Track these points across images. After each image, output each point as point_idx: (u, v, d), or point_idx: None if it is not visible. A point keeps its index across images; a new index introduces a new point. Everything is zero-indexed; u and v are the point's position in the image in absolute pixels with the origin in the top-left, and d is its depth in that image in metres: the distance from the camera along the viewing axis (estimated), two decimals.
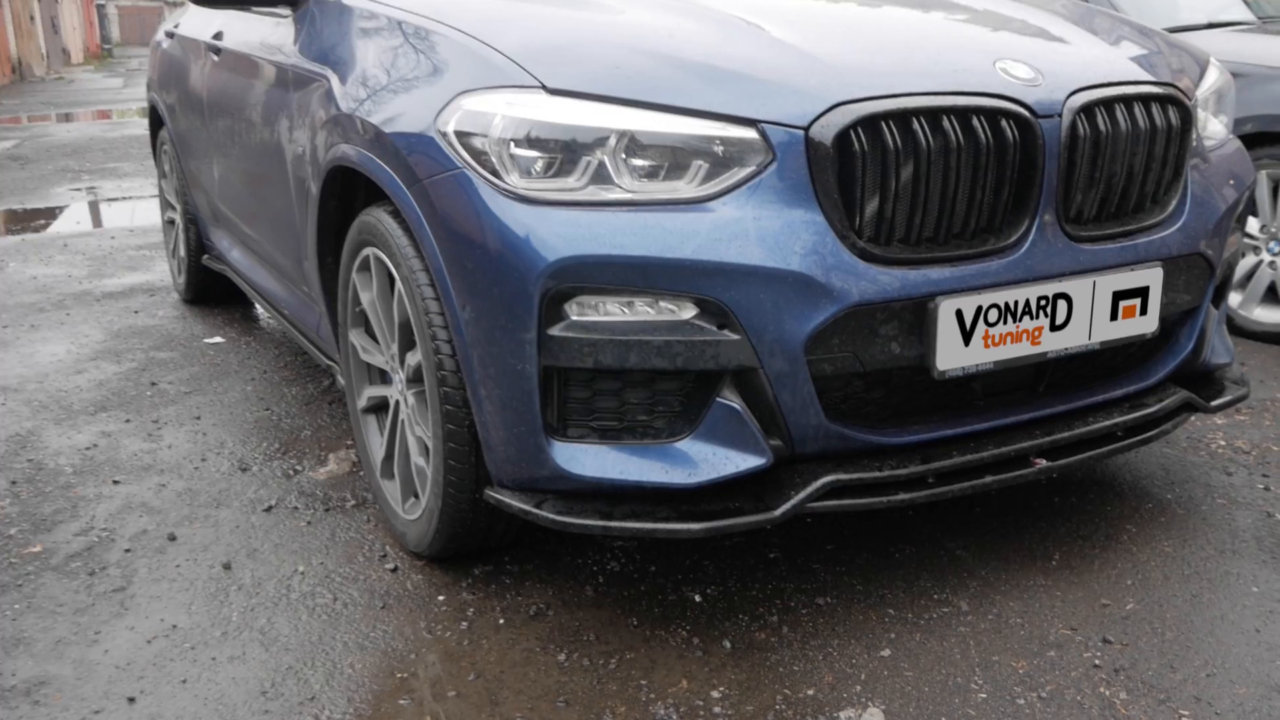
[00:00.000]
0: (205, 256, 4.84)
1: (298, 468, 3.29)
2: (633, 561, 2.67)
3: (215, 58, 4.00)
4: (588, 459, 2.22)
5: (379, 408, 2.92)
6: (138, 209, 7.92)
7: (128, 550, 2.82)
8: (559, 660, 2.30)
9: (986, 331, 2.23)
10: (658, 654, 2.31)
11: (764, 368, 2.13)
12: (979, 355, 2.24)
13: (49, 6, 21.39)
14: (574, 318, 2.14)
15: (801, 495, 2.19)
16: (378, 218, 2.57)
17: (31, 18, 20.70)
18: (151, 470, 3.31)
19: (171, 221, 5.26)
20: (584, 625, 2.42)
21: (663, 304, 2.13)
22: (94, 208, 7.97)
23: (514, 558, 2.71)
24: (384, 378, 2.86)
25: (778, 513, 2.18)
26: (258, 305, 4.03)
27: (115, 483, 3.22)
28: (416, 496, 2.68)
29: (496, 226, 2.16)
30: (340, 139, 2.70)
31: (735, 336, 2.11)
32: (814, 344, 2.14)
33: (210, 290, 5.10)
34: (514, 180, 2.18)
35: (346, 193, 2.88)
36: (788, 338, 2.11)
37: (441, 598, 2.55)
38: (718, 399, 2.18)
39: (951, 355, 2.21)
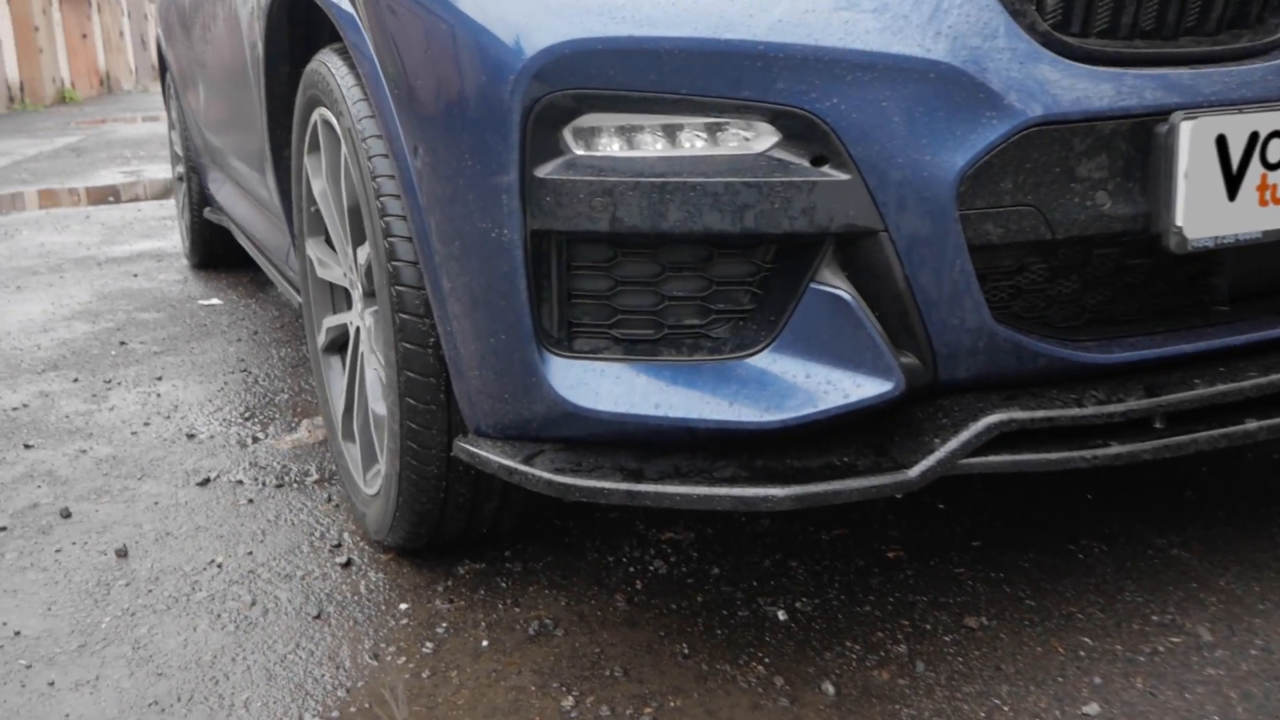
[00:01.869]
0: (207, 209, 4.14)
1: (259, 435, 2.51)
2: (687, 560, 1.84)
3: None
4: (606, 386, 1.40)
5: (341, 344, 2.13)
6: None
7: (3, 528, 2.08)
8: (563, 707, 1.47)
9: (1264, 177, 1.35)
10: (718, 702, 1.47)
11: (889, 229, 1.29)
12: (1249, 217, 1.36)
13: (138, 24, 21.45)
14: (578, 151, 1.32)
15: (953, 444, 1.34)
16: (323, 60, 1.80)
17: (121, 34, 20.72)
18: (78, 435, 2.57)
19: (181, 177, 4.59)
20: (607, 653, 1.59)
21: (724, 128, 1.30)
22: (129, 186, 7.39)
23: (517, 552, 1.89)
24: (348, 301, 2.08)
25: (914, 473, 1.33)
26: (251, 255, 3.33)
27: (27, 447, 2.49)
28: (378, 461, 1.88)
29: (448, 8, 1.36)
30: None
31: (842, 176, 1.28)
32: (972, 189, 1.29)
33: (220, 253, 4.41)
34: None
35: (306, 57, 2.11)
36: (929, 178, 1.27)
37: (404, 606, 1.74)
38: (813, 285, 1.33)
39: (1207, 214, 1.34)
